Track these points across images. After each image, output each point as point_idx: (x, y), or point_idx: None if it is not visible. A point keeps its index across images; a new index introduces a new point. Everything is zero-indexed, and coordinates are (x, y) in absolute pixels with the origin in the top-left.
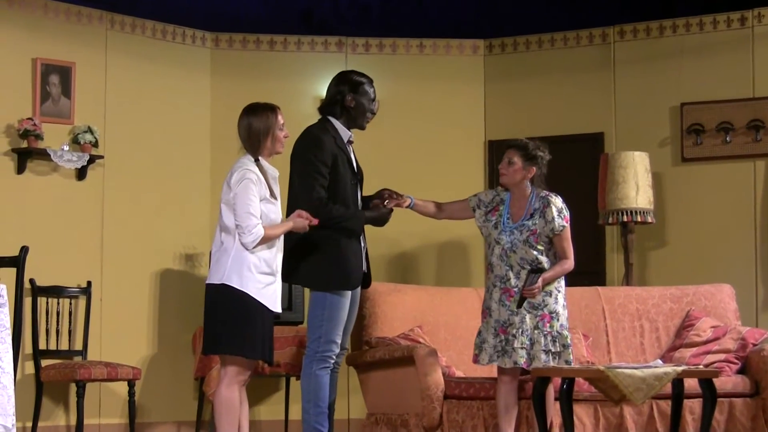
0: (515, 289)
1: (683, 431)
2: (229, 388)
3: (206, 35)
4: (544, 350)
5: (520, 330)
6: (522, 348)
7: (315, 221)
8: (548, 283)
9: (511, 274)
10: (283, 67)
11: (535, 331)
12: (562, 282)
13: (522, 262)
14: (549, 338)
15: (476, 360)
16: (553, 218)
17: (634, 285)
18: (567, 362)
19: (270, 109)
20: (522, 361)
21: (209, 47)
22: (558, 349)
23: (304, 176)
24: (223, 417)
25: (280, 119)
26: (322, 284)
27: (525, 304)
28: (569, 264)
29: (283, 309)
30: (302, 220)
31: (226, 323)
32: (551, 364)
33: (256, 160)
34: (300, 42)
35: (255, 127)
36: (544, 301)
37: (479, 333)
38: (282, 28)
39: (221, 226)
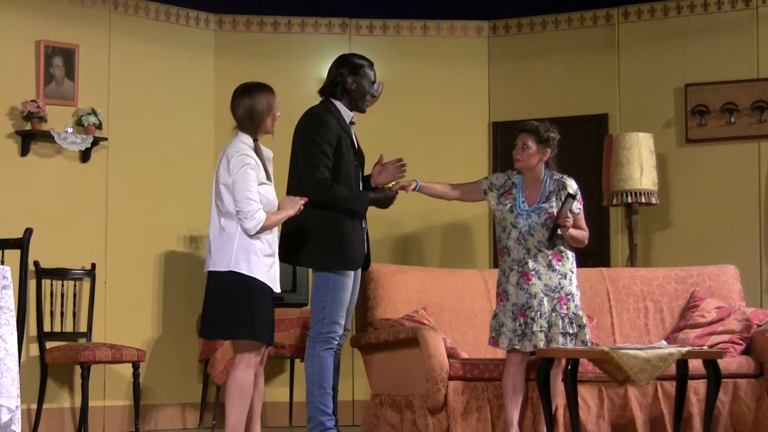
0: (533, 272)
1: (688, 412)
2: (246, 371)
3: (210, 17)
4: (562, 333)
5: (539, 313)
6: (541, 331)
7: (305, 199)
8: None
9: (528, 258)
10: (286, 48)
11: (553, 314)
12: (575, 263)
13: (539, 245)
14: (567, 320)
15: (494, 343)
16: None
17: (638, 266)
18: (584, 342)
19: (269, 90)
20: (541, 344)
21: (213, 29)
22: (575, 330)
23: (308, 157)
24: (236, 400)
25: (276, 99)
26: (325, 265)
27: (540, 286)
28: (587, 234)
29: (287, 290)
30: (295, 204)
31: (238, 309)
32: (569, 345)
33: (255, 140)
34: (304, 23)
35: (258, 108)
36: (560, 283)
37: (495, 316)
38: (286, 9)
39: (221, 211)
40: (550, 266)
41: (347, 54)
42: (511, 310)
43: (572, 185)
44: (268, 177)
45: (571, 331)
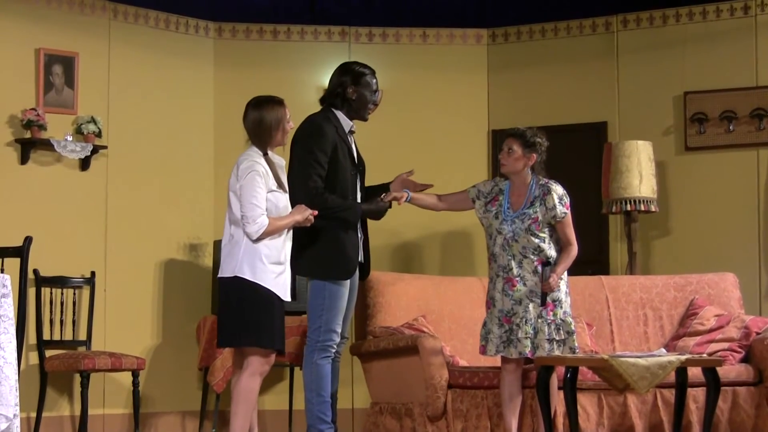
0: (518, 278)
1: (687, 420)
2: (252, 378)
3: (209, 25)
4: (548, 339)
5: (524, 319)
6: (526, 338)
7: (314, 212)
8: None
9: (513, 264)
10: (286, 56)
11: (539, 320)
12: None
13: (524, 251)
14: (553, 326)
15: (483, 351)
16: (554, 205)
17: (637, 274)
18: (572, 349)
19: (279, 103)
20: (527, 350)
21: (212, 37)
22: (562, 337)
23: (303, 164)
24: (241, 406)
25: (287, 112)
26: (321, 273)
27: (524, 297)
28: (574, 250)
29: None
30: (304, 212)
31: (243, 316)
32: (555, 352)
33: (265, 154)
34: (303, 31)
35: (267, 121)
36: None
37: (484, 324)
38: (285, 17)
39: (230, 219)
40: (535, 272)
41: (350, 62)
42: (497, 317)
43: (557, 190)
44: (280, 185)
45: (557, 338)
